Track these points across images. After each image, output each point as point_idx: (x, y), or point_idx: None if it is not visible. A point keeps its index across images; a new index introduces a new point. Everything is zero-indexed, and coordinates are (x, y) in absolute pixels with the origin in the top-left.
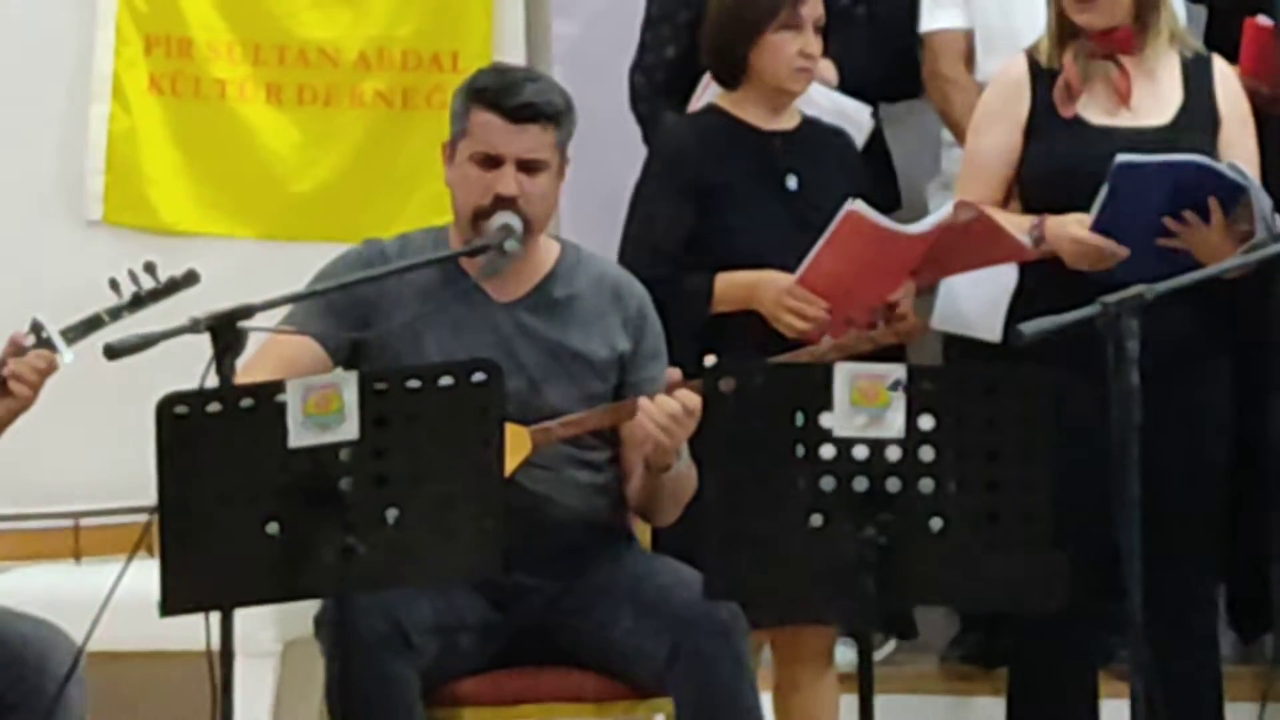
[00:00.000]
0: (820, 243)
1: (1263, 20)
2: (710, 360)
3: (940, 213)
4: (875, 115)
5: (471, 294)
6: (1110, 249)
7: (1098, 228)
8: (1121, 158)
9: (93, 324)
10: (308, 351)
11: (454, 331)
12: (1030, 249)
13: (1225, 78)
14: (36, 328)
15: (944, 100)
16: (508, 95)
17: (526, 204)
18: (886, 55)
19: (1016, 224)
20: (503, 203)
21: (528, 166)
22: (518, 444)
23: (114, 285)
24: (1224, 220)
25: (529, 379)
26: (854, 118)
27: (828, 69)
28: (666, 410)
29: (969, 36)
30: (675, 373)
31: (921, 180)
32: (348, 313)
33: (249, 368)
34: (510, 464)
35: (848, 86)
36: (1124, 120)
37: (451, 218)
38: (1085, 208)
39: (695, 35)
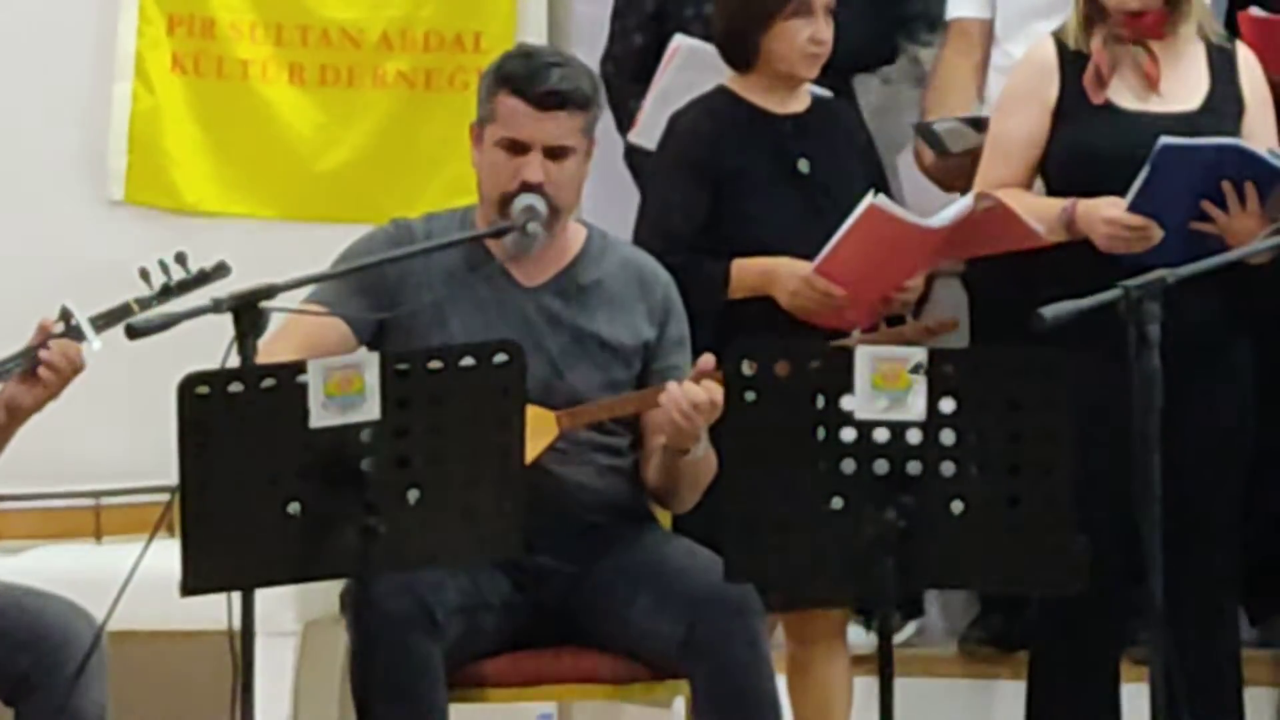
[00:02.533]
0: (840, 234)
1: (1256, 12)
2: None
3: (960, 204)
4: (850, 91)
5: (497, 277)
6: (1147, 229)
7: (1136, 208)
8: (1165, 140)
9: (122, 313)
10: (333, 330)
11: (479, 314)
12: (1044, 235)
13: (1249, 64)
14: (65, 315)
15: (929, 83)
16: (534, 82)
17: (553, 190)
18: (864, 24)
19: (1047, 207)
20: (529, 189)
21: (554, 153)
22: (543, 427)
23: (144, 275)
24: (1259, 206)
25: (552, 364)
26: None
27: None
28: (691, 399)
29: (984, 25)
30: (709, 359)
31: (887, 150)
32: (374, 292)
33: (273, 343)
34: (535, 447)
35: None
36: (1153, 105)
37: (475, 198)
38: (1112, 192)
39: (662, 24)
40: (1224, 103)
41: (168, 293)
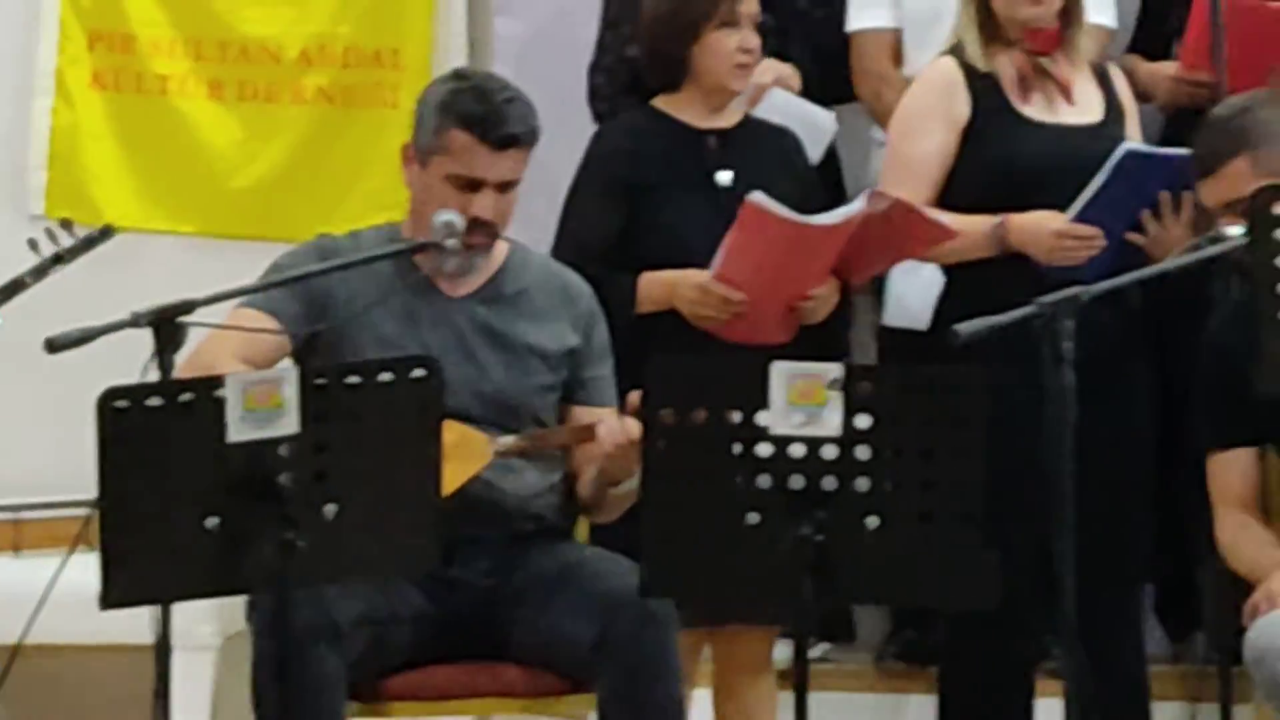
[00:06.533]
0: (728, 236)
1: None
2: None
3: (851, 205)
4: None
5: (425, 288)
6: (1094, 238)
7: (1082, 218)
8: (1127, 145)
9: (15, 287)
10: (267, 332)
11: (408, 325)
12: (956, 231)
13: (1119, 77)
14: None
15: (876, 98)
16: (494, 125)
17: (500, 221)
18: (834, 54)
19: (975, 224)
20: (479, 224)
21: (504, 186)
22: (478, 451)
23: (33, 245)
24: (1191, 217)
25: (482, 371)
26: (818, 123)
27: (791, 76)
28: (629, 435)
29: (897, 35)
30: (636, 395)
31: (854, 182)
32: (304, 303)
33: (213, 341)
34: (468, 471)
35: (810, 90)
36: (1064, 117)
37: (394, 214)
38: (1027, 203)
39: None
40: (1117, 114)
41: (59, 260)
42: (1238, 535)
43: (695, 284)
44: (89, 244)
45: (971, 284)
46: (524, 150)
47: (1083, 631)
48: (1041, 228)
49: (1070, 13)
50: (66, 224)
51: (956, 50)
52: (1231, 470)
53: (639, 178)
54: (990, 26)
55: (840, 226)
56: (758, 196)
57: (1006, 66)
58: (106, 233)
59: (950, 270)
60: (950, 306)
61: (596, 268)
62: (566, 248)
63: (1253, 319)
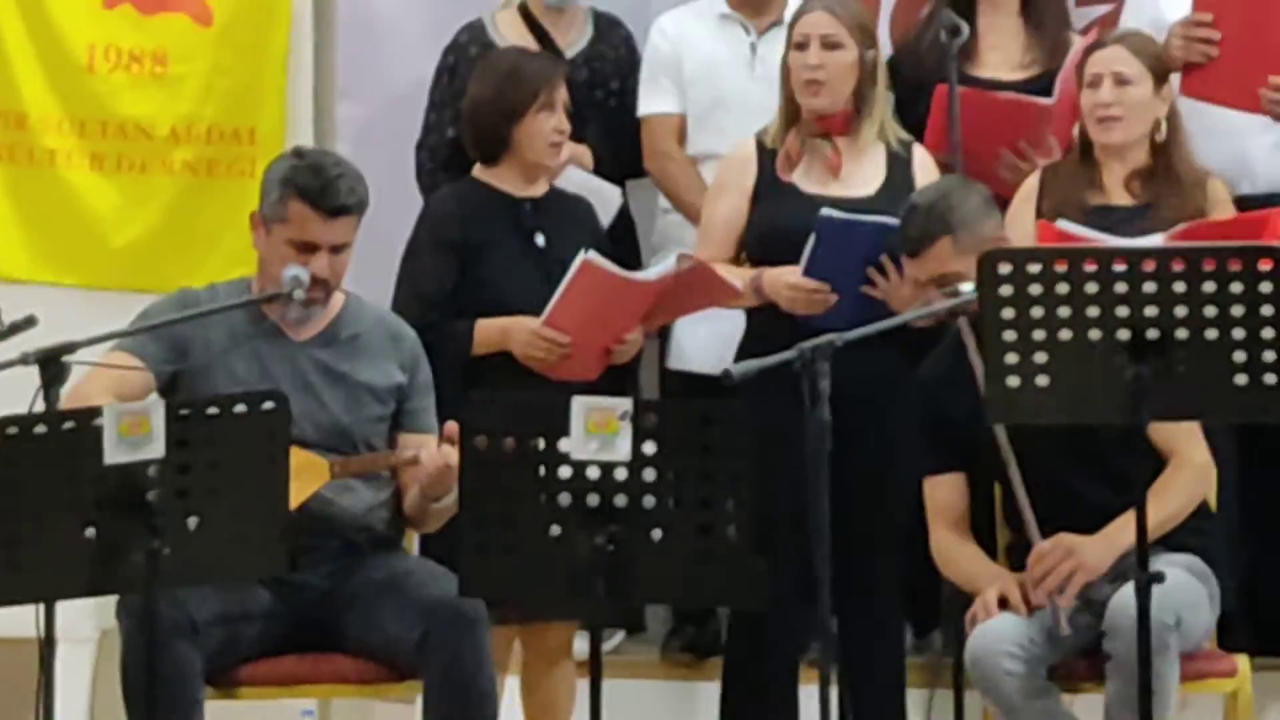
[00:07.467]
0: (561, 287)
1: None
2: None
3: (664, 264)
4: (624, 192)
5: (272, 333)
6: (820, 291)
7: (808, 273)
8: (823, 212)
9: None
10: (136, 374)
11: (257, 364)
12: (742, 291)
13: (923, 163)
14: None
15: (662, 173)
16: (326, 197)
17: (334, 279)
18: (625, 137)
19: (739, 275)
20: (315, 281)
21: (337, 249)
22: (317, 472)
23: None
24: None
25: (321, 404)
26: (606, 196)
27: (585, 154)
28: (446, 460)
29: (682, 119)
30: (453, 426)
31: (646, 243)
32: (168, 347)
33: (86, 385)
34: (307, 489)
35: (602, 168)
36: (832, 190)
37: (250, 270)
38: (794, 260)
39: None
40: (897, 192)
41: None
42: (950, 550)
43: (528, 329)
44: (14, 329)
45: (766, 330)
46: (353, 217)
47: (845, 629)
48: (778, 281)
49: (860, 101)
50: None
51: (762, 132)
52: (941, 492)
53: (467, 238)
54: (794, 112)
55: (656, 282)
56: (593, 255)
57: (789, 139)
58: (30, 320)
59: (750, 316)
60: (750, 350)
61: (434, 315)
62: (407, 299)
63: (980, 361)
